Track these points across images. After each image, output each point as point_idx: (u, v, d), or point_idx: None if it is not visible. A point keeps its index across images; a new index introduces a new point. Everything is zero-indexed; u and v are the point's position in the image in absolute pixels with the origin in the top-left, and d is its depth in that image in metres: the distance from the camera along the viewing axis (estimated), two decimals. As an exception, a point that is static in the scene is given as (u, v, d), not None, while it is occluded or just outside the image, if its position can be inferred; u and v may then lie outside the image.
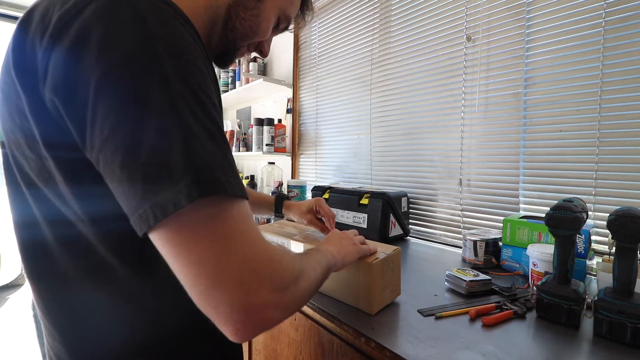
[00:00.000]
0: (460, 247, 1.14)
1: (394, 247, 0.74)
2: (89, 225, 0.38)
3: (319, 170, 1.94)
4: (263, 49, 0.61)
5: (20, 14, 2.71)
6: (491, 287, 0.80)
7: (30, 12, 0.36)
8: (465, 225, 1.26)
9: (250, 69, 2.14)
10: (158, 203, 0.30)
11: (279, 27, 0.60)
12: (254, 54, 2.24)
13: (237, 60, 2.26)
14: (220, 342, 0.50)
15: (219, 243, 0.32)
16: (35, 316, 0.51)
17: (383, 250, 0.72)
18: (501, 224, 1.03)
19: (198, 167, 0.31)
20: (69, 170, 0.36)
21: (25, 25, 0.35)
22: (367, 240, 0.72)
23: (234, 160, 0.36)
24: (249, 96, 2.32)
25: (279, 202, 0.92)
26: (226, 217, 0.33)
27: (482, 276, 0.81)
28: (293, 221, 0.96)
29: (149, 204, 0.30)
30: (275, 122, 2.00)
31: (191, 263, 0.31)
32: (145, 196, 0.30)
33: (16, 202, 0.44)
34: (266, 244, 0.36)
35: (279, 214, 0.91)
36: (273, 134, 1.96)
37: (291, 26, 0.64)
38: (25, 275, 0.45)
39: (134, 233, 0.32)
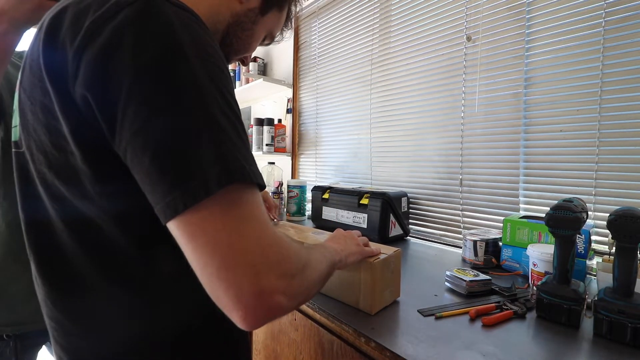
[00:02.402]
0: (460, 247, 1.14)
1: (395, 249, 0.74)
2: (111, 223, 0.39)
3: (319, 170, 1.94)
4: (246, 60, 0.66)
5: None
6: (491, 287, 0.80)
7: (58, 18, 0.37)
8: (465, 225, 1.26)
9: (250, 69, 2.14)
10: (189, 190, 0.32)
11: (262, 43, 0.66)
12: (255, 56, 2.24)
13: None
14: (230, 337, 0.51)
15: (234, 225, 0.33)
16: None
17: (384, 251, 0.72)
18: (501, 224, 1.03)
19: (226, 157, 0.34)
20: (96, 166, 0.37)
21: (54, 29, 0.37)
22: (370, 242, 0.73)
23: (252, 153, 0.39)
24: (249, 96, 2.32)
25: None
26: (245, 202, 0.34)
27: (482, 276, 0.81)
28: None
29: (179, 191, 0.32)
30: (275, 122, 2.00)
31: (206, 244, 0.32)
32: (175, 184, 0.32)
33: (28, 201, 0.44)
34: (275, 230, 0.37)
35: None
36: (273, 134, 1.96)
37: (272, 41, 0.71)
38: (36, 274, 0.45)
39: (154, 229, 0.35)
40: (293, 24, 0.73)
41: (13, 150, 0.46)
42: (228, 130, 0.35)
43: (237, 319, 0.33)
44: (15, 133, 0.45)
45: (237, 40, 0.57)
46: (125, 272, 0.41)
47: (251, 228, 0.34)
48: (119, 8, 0.34)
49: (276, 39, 0.69)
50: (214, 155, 0.33)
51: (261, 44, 0.66)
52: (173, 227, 0.33)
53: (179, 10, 0.36)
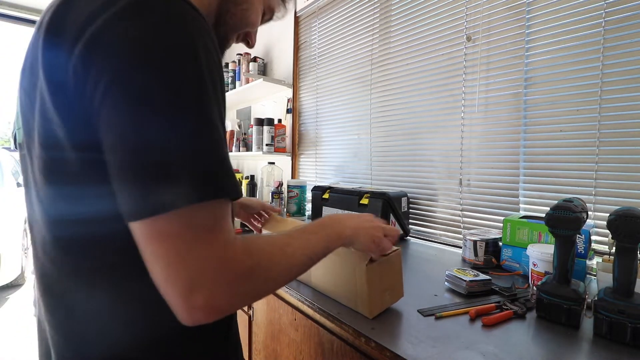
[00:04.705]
0: (460, 247, 1.14)
1: (394, 248, 0.72)
2: (103, 224, 0.39)
3: (319, 170, 1.94)
4: (250, 40, 0.63)
5: (20, 14, 2.71)
6: (491, 287, 0.80)
7: (58, 14, 0.37)
8: (465, 225, 1.26)
9: (250, 69, 2.14)
10: (158, 200, 0.33)
11: (263, 19, 0.63)
12: (255, 56, 2.24)
13: (237, 60, 2.26)
14: (221, 339, 0.51)
15: (187, 240, 0.35)
16: (37, 315, 0.51)
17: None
18: (501, 224, 1.03)
19: (200, 172, 0.34)
20: (91, 169, 0.37)
21: (55, 27, 0.37)
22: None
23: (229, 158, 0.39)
24: (249, 96, 2.32)
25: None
26: (207, 218, 0.36)
27: (482, 276, 0.81)
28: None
29: (148, 197, 0.33)
30: (275, 122, 2.00)
31: (157, 253, 0.34)
32: (147, 191, 0.33)
33: (30, 202, 0.44)
34: (231, 243, 0.37)
35: None
36: (273, 134, 1.96)
37: (276, 17, 0.68)
38: (35, 275, 0.46)
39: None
40: None
41: (19, 153, 0.46)
42: (206, 141, 0.35)
43: (177, 316, 0.36)
44: (19, 135, 0.45)
45: (232, 17, 0.55)
46: (117, 276, 0.41)
47: (202, 246, 0.35)
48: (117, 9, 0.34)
49: (278, 14, 0.66)
50: (186, 169, 0.33)
51: (262, 21, 0.63)
52: (135, 227, 0.35)
53: (177, 2, 0.36)
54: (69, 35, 0.35)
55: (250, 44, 0.64)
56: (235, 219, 0.97)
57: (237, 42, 0.62)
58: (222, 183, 0.36)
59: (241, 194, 0.38)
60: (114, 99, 0.33)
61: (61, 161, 0.38)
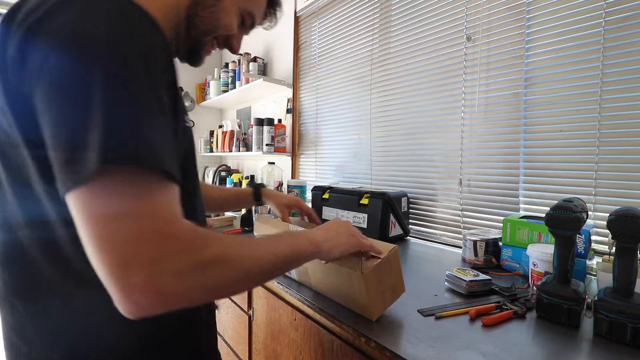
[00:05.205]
0: (460, 247, 1.14)
1: (391, 246, 0.69)
2: (64, 227, 0.40)
3: (319, 170, 1.94)
4: (232, 45, 0.62)
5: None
6: (491, 287, 0.80)
7: (15, 11, 0.38)
8: (465, 225, 1.26)
9: (250, 69, 2.14)
10: (74, 172, 0.33)
11: (245, 24, 0.62)
12: (255, 56, 2.24)
13: (237, 60, 2.26)
14: (199, 344, 0.52)
15: (116, 211, 0.34)
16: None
17: (379, 249, 0.68)
18: (501, 224, 1.03)
19: (113, 141, 0.33)
20: (43, 166, 0.37)
21: (8, 24, 0.37)
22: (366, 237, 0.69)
23: (166, 137, 0.38)
24: (249, 96, 2.32)
25: (257, 190, 0.92)
26: (130, 188, 0.34)
27: (482, 276, 0.81)
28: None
29: (69, 172, 0.33)
30: (275, 122, 2.00)
31: (89, 235, 0.33)
32: (66, 166, 0.33)
33: (2, 202, 0.44)
34: (171, 222, 0.36)
35: (259, 201, 0.90)
36: (273, 134, 1.96)
37: (267, 23, 0.66)
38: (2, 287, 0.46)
39: None
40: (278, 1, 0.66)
41: None
42: (149, 113, 0.35)
43: (117, 306, 0.34)
44: None
45: (201, 20, 0.54)
46: (85, 281, 0.41)
47: (132, 219, 0.34)
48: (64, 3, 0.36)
49: (267, 21, 0.65)
50: (104, 138, 0.33)
51: (246, 27, 0.62)
52: (70, 205, 0.34)
53: (122, 3, 0.37)
54: (16, 24, 0.36)
55: (233, 49, 0.63)
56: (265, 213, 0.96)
57: (220, 48, 0.62)
58: (138, 152, 0.34)
59: (164, 166, 0.36)
60: (43, 85, 0.34)
61: (17, 159, 0.39)
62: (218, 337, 1.24)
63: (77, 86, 0.33)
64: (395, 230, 1.30)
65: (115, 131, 0.33)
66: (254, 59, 2.17)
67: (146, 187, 0.35)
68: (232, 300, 1.16)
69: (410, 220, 1.42)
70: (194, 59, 0.60)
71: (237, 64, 2.27)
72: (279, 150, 1.98)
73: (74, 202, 0.33)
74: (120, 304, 0.33)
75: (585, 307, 0.66)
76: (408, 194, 1.39)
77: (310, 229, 0.59)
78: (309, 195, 1.69)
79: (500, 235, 1.02)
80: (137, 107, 0.35)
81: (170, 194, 0.37)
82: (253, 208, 1.40)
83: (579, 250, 0.82)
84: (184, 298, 0.36)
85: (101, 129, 0.33)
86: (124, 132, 0.34)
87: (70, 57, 0.34)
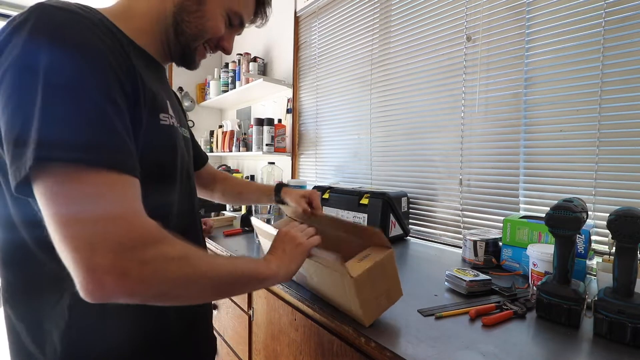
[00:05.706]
0: (460, 247, 1.14)
1: (386, 250, 0.65)
2: (30, 230, 0.43)
3: (319, 170, 1.94)
4: (224, 46, 0.63)
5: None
6: (491, 287, 0.80)
7: None
8: (465, 225, 1.26)
9: (250, 69, 2.14)
10: (19, 167, 0.35)
11: (233, 24, 0.62)
12: (255, 56, 2.24)
13: (237, 60, 2.26)
14: (189, 344, 0.53)
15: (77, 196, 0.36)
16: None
17: (373, 252, 0.65)
18: (501, 224, 1.03)
19: (61, 136, 0.36)
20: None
21: None
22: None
23: (116, 132, 0.40)
24: (249, 96, 2.32)
25: (279, 188, 0.96)
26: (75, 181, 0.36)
27: (482, 276, 0.81)
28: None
29: (15, 166, 0.36)
30: (275, 122, 2.00)
31: (53, 220, 0.35)
32: (14, 161, 0.36)
33: None
34: (133, 214, 0.38)
35: (278, 197, 0.94)
36: (273, 134, 1.96)
37: (259, 21, 0.67)
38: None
39: None
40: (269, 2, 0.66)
41: None
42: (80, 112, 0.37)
43: (78, 289, 0.35)
44: None
45: (188, 25, 0.56)
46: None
47: (99, 203, 0.36)
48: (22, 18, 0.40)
49: (257, 18, 0.66)
50: (34, 139, 0.35)
51: (234, 27, 0.62)
52: (35, 192, 0.36)
53: (69, 14, 0.40)
54: None
55: (225, 50, 0.63)
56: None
57: (213, 51, 0.62)
58: (87, 147, 0.36)
59: (109, 159, 0.38)
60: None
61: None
62: (218, 337, 1.24)
63: (23, 92, 0.36)
64: (395, 230, 1.30)
65: (54, 128, 0.36)
66: (254, 59, 2.17)
67: (94, 179, 0.37)
68: (232, 301, 1.16)
69: (410, 220, 1.42)
70: (188, 63, 0.61)
71: (237, 64, 2.27)
72: (279, 150, 1.98)
73: (37, 192, 0.35)
74: (82, 285, 0.34)
75: (585, 307, 0.66)
76: (408, 194, 1.39)
77: (264, 257, 0.60)
78: (309, 195, 1.69)
79: (500, 235, 1.02)
80: (75, 108, 0.37)
81: (126, 189, 0.39)
82: (253, 208, 1.40)
83: (579, 250, 0.82)
84: (145, 287, 0.37)
85: (44, 127, 0.35)
86: (63, 128, 0.36)
87: (20, 69, 0.37)
